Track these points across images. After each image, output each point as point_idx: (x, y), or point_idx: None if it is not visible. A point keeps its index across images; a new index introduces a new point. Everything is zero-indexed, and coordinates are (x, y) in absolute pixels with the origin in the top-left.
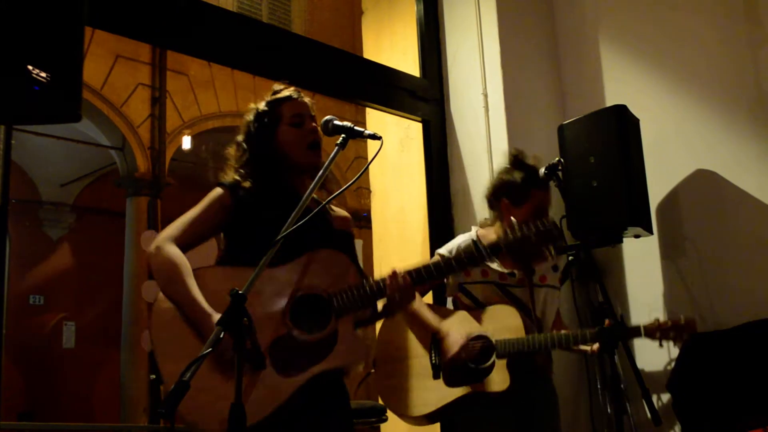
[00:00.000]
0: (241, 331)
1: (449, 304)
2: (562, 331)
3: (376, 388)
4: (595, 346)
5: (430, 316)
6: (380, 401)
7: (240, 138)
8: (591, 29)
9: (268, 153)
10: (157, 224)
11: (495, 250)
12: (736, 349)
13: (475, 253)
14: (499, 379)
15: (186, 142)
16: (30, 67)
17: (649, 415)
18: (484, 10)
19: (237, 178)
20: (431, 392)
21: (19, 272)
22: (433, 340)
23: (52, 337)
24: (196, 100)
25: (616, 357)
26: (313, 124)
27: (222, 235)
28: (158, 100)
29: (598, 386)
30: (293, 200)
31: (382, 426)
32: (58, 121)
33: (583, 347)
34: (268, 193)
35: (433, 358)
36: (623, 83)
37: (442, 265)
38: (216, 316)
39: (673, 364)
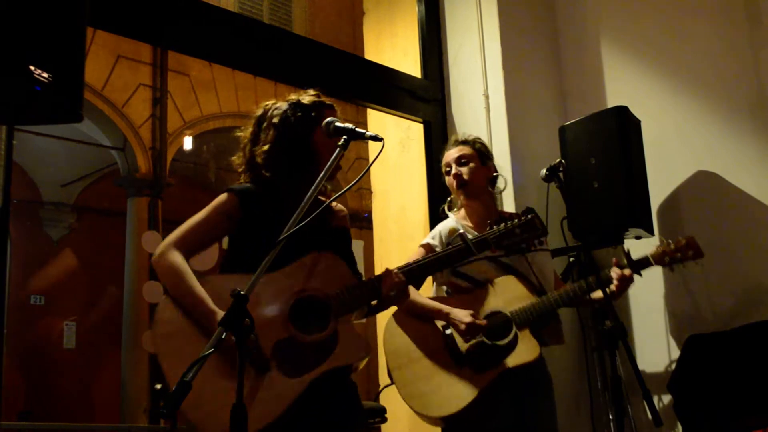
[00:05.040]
0: (242, 331)
1: (438, 292)
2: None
3: (402, 398)
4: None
5: (430, 303)
6: (413, 410)
7: (275, 120)
8: (592, 30)
9: (300, 143)
10: (157, 224)
11: (484, 245)
12: (737, 351)
13: (465, 250)
14: (527, 348)
15: (187, 143)
16: (32, 68)
17: (650, 415)
18: (485, 10)
19: (248, 184)
20: (461, 384)
21: (20, 272)
22: (444, 327)
23: (52, 337)
24: (197, 101)
25: (617, 357)
26: None
27: (227, 238)
28: (159, 100)
29: (599, 387)
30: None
31: (383, 426)
32: (60, 122)
33: (594, 296)
34: (280, 194)
35: (450, 344)
36: (624, 84)
37: (435, 262)
38: (221, 314)
39: (674, 364)
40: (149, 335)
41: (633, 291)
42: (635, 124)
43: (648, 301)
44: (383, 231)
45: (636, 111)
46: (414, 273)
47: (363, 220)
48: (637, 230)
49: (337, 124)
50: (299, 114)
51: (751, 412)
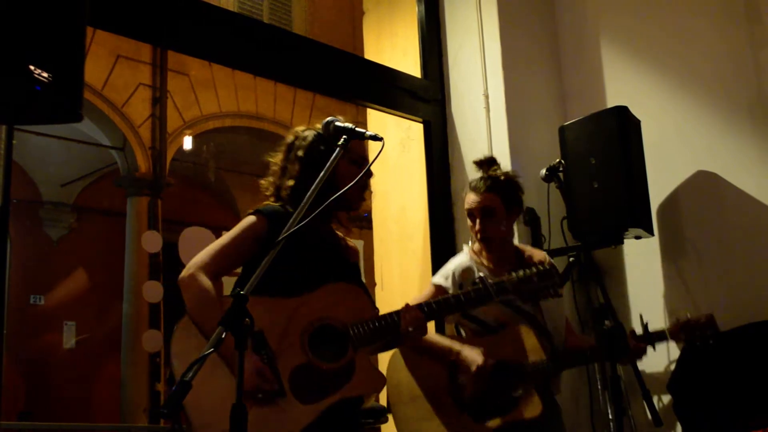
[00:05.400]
0: (241, 332)
1: (448, 330)
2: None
3: None
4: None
5: (441, 341)
6: None
7: (300, 153)
8: (592, 30)
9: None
10: (157, 224)
11: (503, 290)
12: (737, 351)
13: (484, 294)
14: (529, 406)
15: (187, 143)
16: (31, 68)
17: (649, 416)
18: (485, 10)
19: (276, 205)
20: (458, 430)
21: (20, 272)
22: (450, 368)
23: (52, 337)
24: (196, 101)
25: None
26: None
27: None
28: (159, 100)
29: (599, 387)
30: (325, 239)
31: (383, 427)
32: (60, 122)
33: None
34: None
35: (454, 388)
36: (624, 84)
37: (453, 302)
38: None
39: (673, 365)
40: (148, 335)
41: (633, 291)
42: (635, 124)
43: (648, 300)
44: (383, 231)
45: (636, 111)
46: (432, 311)
47: (363, 220)
48: (636, 230)
49: (337, 123)
50: (323, 148)
51: (751, 412)
